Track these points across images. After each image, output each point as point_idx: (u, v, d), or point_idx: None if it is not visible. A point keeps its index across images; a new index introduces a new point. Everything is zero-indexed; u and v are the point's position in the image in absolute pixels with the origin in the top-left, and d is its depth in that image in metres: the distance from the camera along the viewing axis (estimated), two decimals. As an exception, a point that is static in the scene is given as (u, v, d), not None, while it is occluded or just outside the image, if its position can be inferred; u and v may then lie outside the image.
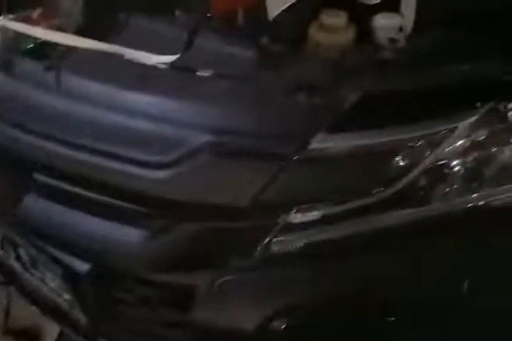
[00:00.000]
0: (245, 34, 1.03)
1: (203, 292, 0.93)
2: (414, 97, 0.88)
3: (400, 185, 0.89)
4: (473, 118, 0.86)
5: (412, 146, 0.88)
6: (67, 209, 0.98)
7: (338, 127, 0.87)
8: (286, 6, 1.03)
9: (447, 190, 0.90)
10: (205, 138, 0.88)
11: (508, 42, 0.90)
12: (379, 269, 0.93)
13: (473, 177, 0.90)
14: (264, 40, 1.01)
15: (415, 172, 0.88)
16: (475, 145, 0.89)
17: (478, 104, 0.87)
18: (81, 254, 0.97)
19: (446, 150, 0.88)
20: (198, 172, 0.89)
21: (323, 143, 0.87)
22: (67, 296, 1.04)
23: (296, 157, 0.87)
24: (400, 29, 1.02)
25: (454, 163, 0.89)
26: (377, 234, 0.91)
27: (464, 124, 0.86)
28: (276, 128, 0.88)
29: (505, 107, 0.88)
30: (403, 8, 1.02)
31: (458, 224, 0.91)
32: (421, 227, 0.91)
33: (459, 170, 0.90)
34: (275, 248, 0.92)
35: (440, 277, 0.93)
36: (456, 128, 0.87)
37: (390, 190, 0.89)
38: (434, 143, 0.87)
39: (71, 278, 0.99)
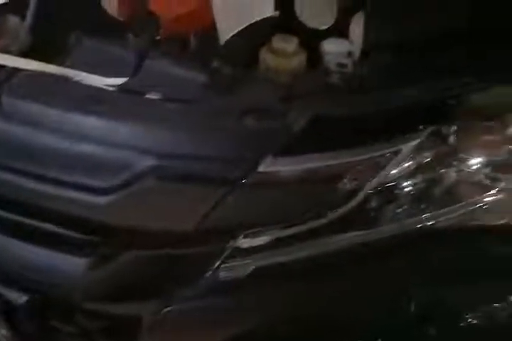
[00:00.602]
0: (196, 57, 1.03)
1: (147, 322, 0.90)
2: (360, 121, 0.89)
3: (348, 207, 0.89)
4: (416, 141, 0.88)
5: (359, 169, 0.88)
6: (3, 237, 0.94)
7: (286, 150, 0.87)
8: (238, 30, 1.04)
9: (398, 211, 0.91)
10: (150, 161, 0.86)
11: (451, 67, 0.92)
12: (331, 292, 0.92)
13: (421, 198, 0.91)
14: (216, 64, 1.01)
15: (362, 194, 0.88)
16: (421, 167, 0.90)
17: (421, 127, 0.88)
18: (18, 285, 0.93)
19: (394, 171, 0.89)
20: (143, 197, 0.87)
21: (271, 166, 0.87)
22: (3, 331, 0.99)
23: (244, 181, 0.86)
24: (349, 54, 1.04)
25: (405, 184, 0.90)
26: (329, 257, 0.91)
27: (407, 147, 0.88)
28: (224, 152, 0.88)
29: (448, 130, 0.89)
30: (351, 33, 1.04)
31: (407, 245, 0.92)
32: (372, 249, 0.91)
33: (409, 191, 0.91)
34: (223, 274, 0.90)
35: (390, 299, 0.93)
36: (400, 150, 0.88)
37: (339, 213, 0.89)
38: (379, 166, 0.88)
39: (6, 310, 0.95)
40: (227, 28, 1.04)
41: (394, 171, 0.89)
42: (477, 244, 0.93)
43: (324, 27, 1.06)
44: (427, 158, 0.90)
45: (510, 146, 0.90)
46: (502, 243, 0.93)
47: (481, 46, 0.92)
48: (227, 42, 1.03)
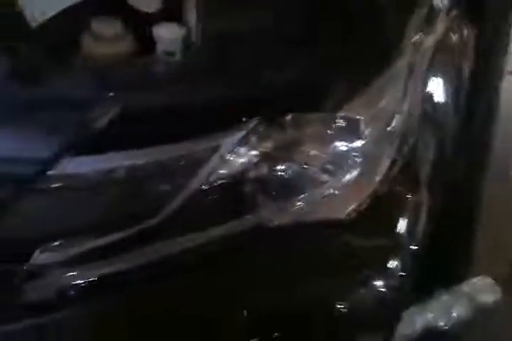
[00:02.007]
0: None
1: None
2: (178, 115, 0.79)
3: (170, 209, 0.78)
4: (239, 135, 0.79)
5: (177, 167, 0.78)
6: None
7: (90, 147, 0.76)
8: (54, 12, 0.91)
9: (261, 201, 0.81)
10: None
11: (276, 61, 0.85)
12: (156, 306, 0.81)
13: (279, 189, 0.83)
14: (23, 48, 0.88)
15: (186, 193, 0.78)
16: (266, 158, 0.82)
17: (245, 120, 0.79)
18: None
19: (236, 164, 0.80)
20: None
21: (70, 167, 0.75)
22: None
23: (34, 184, 0.74)
24: (184, 42, 0.94)
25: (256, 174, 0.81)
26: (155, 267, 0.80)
27: (228, 142, 0.79)
28: (12, 150, 0.75)
29: (283, 121, 0.82)
30: (183, 19, 0.94)
31: (248, 244, 0.83)
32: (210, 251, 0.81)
33: (268, 181, 0.82)
34: (29, 296, 0.77)
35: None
36: (219, 146, 0.79)
37: (163, 215, 0.78)
38: (199, 163, 0.79)
39: None
40: (38, 8, 0.91)
41: (236, 164, 0.80)
42: (318, 238, 0.86)
43: (152, 10, 0.96)
44: (267, 148, 0.82)
45: (338, 142, 0.84)
46: (344, 235, 0.87)
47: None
48: (42, 24, 0.91)
